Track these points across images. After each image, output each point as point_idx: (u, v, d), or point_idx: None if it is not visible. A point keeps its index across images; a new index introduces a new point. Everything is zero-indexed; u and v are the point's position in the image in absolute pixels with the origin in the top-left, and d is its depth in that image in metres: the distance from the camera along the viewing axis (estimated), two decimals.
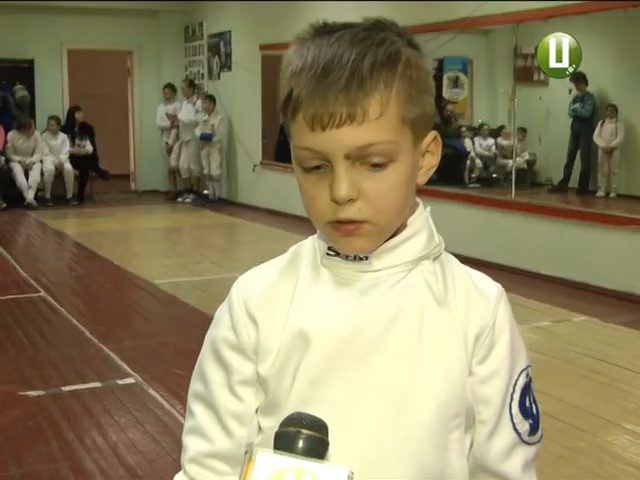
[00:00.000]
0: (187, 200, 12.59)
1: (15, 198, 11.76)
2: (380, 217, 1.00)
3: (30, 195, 11.88)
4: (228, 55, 12.40)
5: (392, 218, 1.03)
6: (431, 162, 1.07)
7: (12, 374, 4.68)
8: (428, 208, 1.10)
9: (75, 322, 5.74)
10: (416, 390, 1.03)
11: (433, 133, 1.05)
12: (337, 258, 1.06)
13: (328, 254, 1.07)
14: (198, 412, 1.12)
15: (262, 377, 1.07)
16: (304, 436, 0.86)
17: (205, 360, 1.12)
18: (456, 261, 1.12)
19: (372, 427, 1.00)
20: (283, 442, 0.86)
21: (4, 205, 11.55)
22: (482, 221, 7.89)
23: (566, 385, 4.46)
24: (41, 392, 4.35)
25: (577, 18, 6.90)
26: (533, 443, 1.11)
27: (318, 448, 0.86)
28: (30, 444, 3.71)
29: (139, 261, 8.18)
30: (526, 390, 1.10)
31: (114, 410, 4.14)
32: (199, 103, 12.19)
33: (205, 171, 12.19)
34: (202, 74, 13.20)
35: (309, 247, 1.11)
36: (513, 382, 1.08)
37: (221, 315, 1.13)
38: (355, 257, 1.05)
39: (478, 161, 9.76)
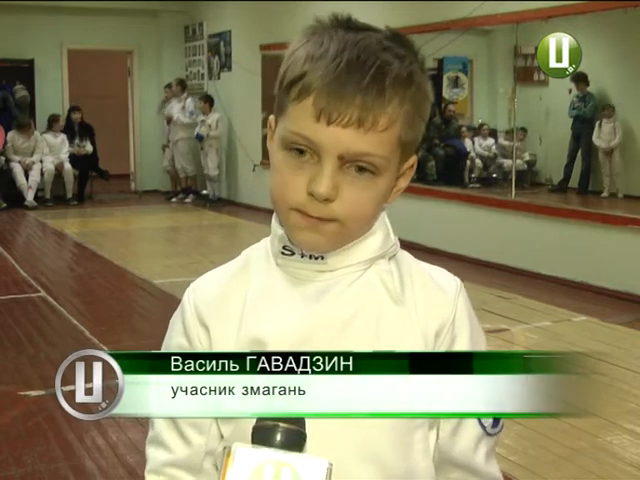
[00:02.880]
0: (187, 200, 12.61)
1: (15, 198, 11.76)
2: (349, 222, 1.00)
3: (30, 195, 11.88)
4: (228, 55, 12.40)
5: (359, 227, 1.03)
6: (402, 184, 1.07)
7: (12, 374, 4.68)
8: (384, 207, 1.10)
9: (75, 322, 5.74)
10: None
11: (414, 158, 1.06)
12: (293, 257, 1.05)
13: (283, 253, 1.06)
14: (157, 422, 1.11)
15: None
16: (282, 429, 0.86)
17: None
18: (412, 259, 1.12)
19: (334, 430, 0.99)
20: (261, 436, 0.85)
21: (4, 205, 11.55)
22: (482, 221, 7.89)
23: None
24: (41, 392, 4.35)
25: (577, 18, 6.91)
26: (495, 434, 1.11)
27: (296, 440, 0.86)
28: (30, 444, 3.71)
29: (139, 261, 8.18)
30: None
31: None
32: (189, 102, 12.21)
33: (204, 171, 12.20)
34: (202, 74, 13.20)
35: (261, 250, 1.10)
36: None
37: (174, 323, 1.13)
38: (311, 256, 1.04)
39: (478, 161, 9.76)
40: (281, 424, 0.86)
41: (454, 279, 1.11)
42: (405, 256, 1.11)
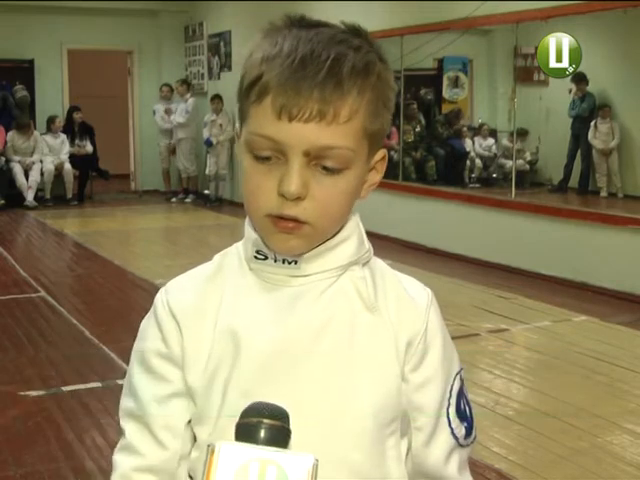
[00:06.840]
0: (187, 200, 12.61)
1: (15, 198, 11.76)
2: (321, 221, 0.99)
3: (30, 195, 11.88)
4: (228, 55, 12.40)
5: (331, 224, 1.02)
6: (375, 178, 1.06)
7: (12, 374, 4.68)
8: (357, 214, 1.08)
9: (75, 322, 5.74)
10: (350, 398, 1.02)
11: (383, 151, 1.05)
12: (266, 262, 1.04)
13: (256, 257, 1.05)
14: (129, 429, 1.09)
15: (192, 388, 1.05)
16: (266, 426, 0.84)
17: (134, 374, 1.10)
18: (386, 266, 1.11)
19: (307, 437, 0.96)
20: (245, 433, 0.84)
21: (2, 202, 11.52)
22: (482, 221, 7.89)
23: (566, 385, 4.46)
24: (41, 392, 4.35)
25: (577, 18, 6.90)
26: (468, 445, 1.10)
27: (280, 437, 0.85)
28: (30, 444, 3.71)
29: (139, 261, 8.18)
30: (461, 393, 1.10)
31: (114, 410, 4.10)
32: (190, 102, 12.20)
33: (209, 170, 12.13)
34: (202, 74, 13.20)
35: (234, 254, 1.09)
36: (449, 387, 1.08)
37: (147, 327, 1.11)
38: (284, 261, 1.03)
39: (478, 161, 9.76)
40: (265, 420, 0.85)
41: (425, 290, 1.10)
42: (379, 263, 1.10)
